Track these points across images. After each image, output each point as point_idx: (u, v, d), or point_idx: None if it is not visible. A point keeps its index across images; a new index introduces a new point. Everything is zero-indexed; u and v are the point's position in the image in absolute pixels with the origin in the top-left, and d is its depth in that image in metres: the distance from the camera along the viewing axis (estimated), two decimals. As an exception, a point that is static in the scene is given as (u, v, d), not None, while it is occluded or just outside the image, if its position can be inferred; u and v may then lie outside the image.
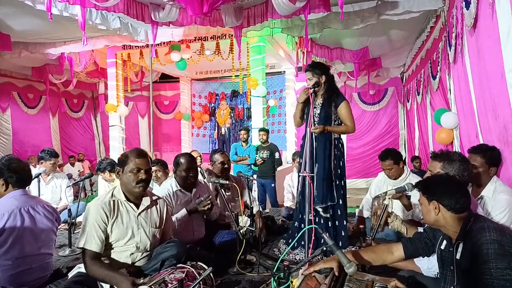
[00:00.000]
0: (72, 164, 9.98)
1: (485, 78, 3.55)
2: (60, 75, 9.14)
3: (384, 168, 3.59)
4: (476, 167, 2.44)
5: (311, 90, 3.16)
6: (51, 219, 2.54)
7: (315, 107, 3.32)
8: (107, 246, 2.24)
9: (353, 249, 3.20)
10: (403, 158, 3.65)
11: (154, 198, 2.48)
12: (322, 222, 3.32)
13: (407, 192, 2.72)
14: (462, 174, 2.21)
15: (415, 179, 3.48)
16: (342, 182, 3.37)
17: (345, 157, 3.47)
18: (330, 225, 3.32)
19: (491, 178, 2.46)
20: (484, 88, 3.58)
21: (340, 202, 3.33)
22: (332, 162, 3.28)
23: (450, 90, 4.92)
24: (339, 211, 3.34)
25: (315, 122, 3.29)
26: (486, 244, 1.60)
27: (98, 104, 12.15)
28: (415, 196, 3.18)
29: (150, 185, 4.55)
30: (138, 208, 2.34)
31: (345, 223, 3.36)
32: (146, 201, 2.38)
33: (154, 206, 2.45)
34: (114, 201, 2.27)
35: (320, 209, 3.29)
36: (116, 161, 4.25)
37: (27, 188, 2.61)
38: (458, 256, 1.71)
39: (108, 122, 9.03)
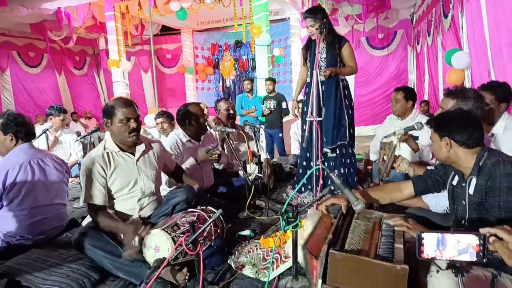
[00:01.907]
0: (75, 121, 10.02)
1: (501, 12, 3.37)
2: (59, 31, 8.93)
3: (393, 99, 3.52)
4: (487, 104, 2.37)
5: (318, 32, 3.12)
6: (61, 171, 2.58)
7: (319, 52, 3.28)
8: (112, 197, 2.27)
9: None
10: (415, 101, 3.56)
11: (147, 143, 2.45)
12: (331, 164, 3.39)
13: (415, 131, 2.68)
14: (475, 112, 2.14)
15: (424, 119, 3.42)
16: (353, 122, 3.46)
17: (352, 98, 3.51)
18: (339, 165, 3.40)
19: (501, 114, 2.41)
20: (500, 23, 3.41)
21: (350, 142, 3.43)
22: (342, 102, 3.33)
23: (462, 28, 4.72)
24: (350, 149, 3.44)
25: (322, 66, 3.29)
26: (500, 177, 1.58)
27: (100, 60, 11.97)
28: (422, 137, 3.16)
29: (158, 136, 4.59)
30: (134, 155, 2.33)
31: (353, 160, 3.46)
32: (141, 147, 2.36)
33: (151, 150, 2.45)
34: (108, 153, 2.25)
35: (328, 150, 3.35)
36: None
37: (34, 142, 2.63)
38: (471, 191, 1.70)
39: (111, 78, 8.93)
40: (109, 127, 2.26)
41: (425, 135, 3.10)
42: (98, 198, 2.19)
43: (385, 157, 2.55)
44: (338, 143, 3.34)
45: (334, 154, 3.38)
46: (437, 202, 2.05)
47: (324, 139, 3.31)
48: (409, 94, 3.45)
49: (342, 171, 3.41)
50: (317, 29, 3.15)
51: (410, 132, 2.72)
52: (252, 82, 6.57)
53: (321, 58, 3.32)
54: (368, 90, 9.75)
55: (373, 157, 3.80)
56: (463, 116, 1.76)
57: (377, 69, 9.70)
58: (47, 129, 4.11)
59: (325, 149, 3.33)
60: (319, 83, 3.20)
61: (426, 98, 7.64)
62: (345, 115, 3.34)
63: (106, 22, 8.32)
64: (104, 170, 2.20)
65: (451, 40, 5.41)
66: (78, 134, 7.81)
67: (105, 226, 2.16)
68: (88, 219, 2.41)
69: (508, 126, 2.33)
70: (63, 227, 2.64)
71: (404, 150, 3.24)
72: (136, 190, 2.30)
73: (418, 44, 8.51)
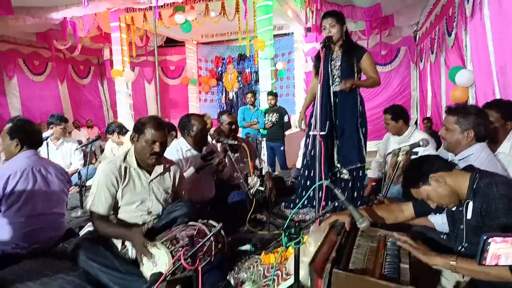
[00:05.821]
0: (78, 128, 10.01)
1: (506, 31, 3.37)
2: (64, 40, 8.99)
3: (384, 121, 3.63)
4: (492, 122, 2.34)
5: (338, 34, 3.00)
6: (63, 180, 2.55)
7: (333, 60, 3.07)
8: (117, 208, 2.24)
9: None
10: (407, 118, 3.65)
11: (167, 165, 2.45)
12: (337, 185, 3.19)
13: (419, 148, 2.64)
14: (478, 128, 2.10)
15: (421, 135, 3.45)
16: (366, 141, 3.23)
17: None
18: (349, 187, 3.19)
19: (508, 133, 2.37)
20: (505, 42, 3.41)
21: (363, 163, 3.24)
22: (358, 120, 3.10)
23: (466, 46, 4.72)
24: (360, 172, 3.21)
25: (336, 76, 3.06)
26: (495, 199, 1.55)
27: (104, 70, 12.04)
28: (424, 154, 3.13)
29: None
30: (150, 174, 2.31)
31: (364, 183, 3.29)
32: (159, 168, 2.34)
33: (167, 172, 2.42)
34: (125, 167, 2.24)
35: (345, 171, 3.14)
36: (124, 125, 4.21)
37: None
38: (468, 216, 1.67)
39: (115, 88, 8.96)
40: (134, 142, 2.26)
41: (426, 152, 3.09)
42: (104, 209, 2.16)
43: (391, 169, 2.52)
44: (359, 164, 3.10)
45: (350, 177, 3.15)
46: (443, 221, 2.00)
47: (342, 157, 3.10)
48: (395, 115, 3.52)
49: (351, 194, 3.19)
50: (337, 31, 2.98)
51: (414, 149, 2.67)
52: (255, 95, 6.58)
53: (335, 66, 3.05)
54: (370, 105, 9.70)
55: (375, 173, 3.77)
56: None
57: (380, 85, 9.69)
58: (48, 137, 4.08)
59: (343, 170, 3.12)
60: (331, 94, 3.02)
61: (429, 115, 7.63)
62: (361, 135, 3.11)
63: (111, 33, 8.40)
64: (117, 182, 2.19)
65: (454, 57, 5.42)
66: (80, 142, 7.78)
67: (107, 232, 2.14)
68: (86, 229, 2.36)
69: (514, 146, 2.29)
70: (59, 237, 2.58)
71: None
72: (142, 209, 2.27)
73: (421, 61, 8.54)
